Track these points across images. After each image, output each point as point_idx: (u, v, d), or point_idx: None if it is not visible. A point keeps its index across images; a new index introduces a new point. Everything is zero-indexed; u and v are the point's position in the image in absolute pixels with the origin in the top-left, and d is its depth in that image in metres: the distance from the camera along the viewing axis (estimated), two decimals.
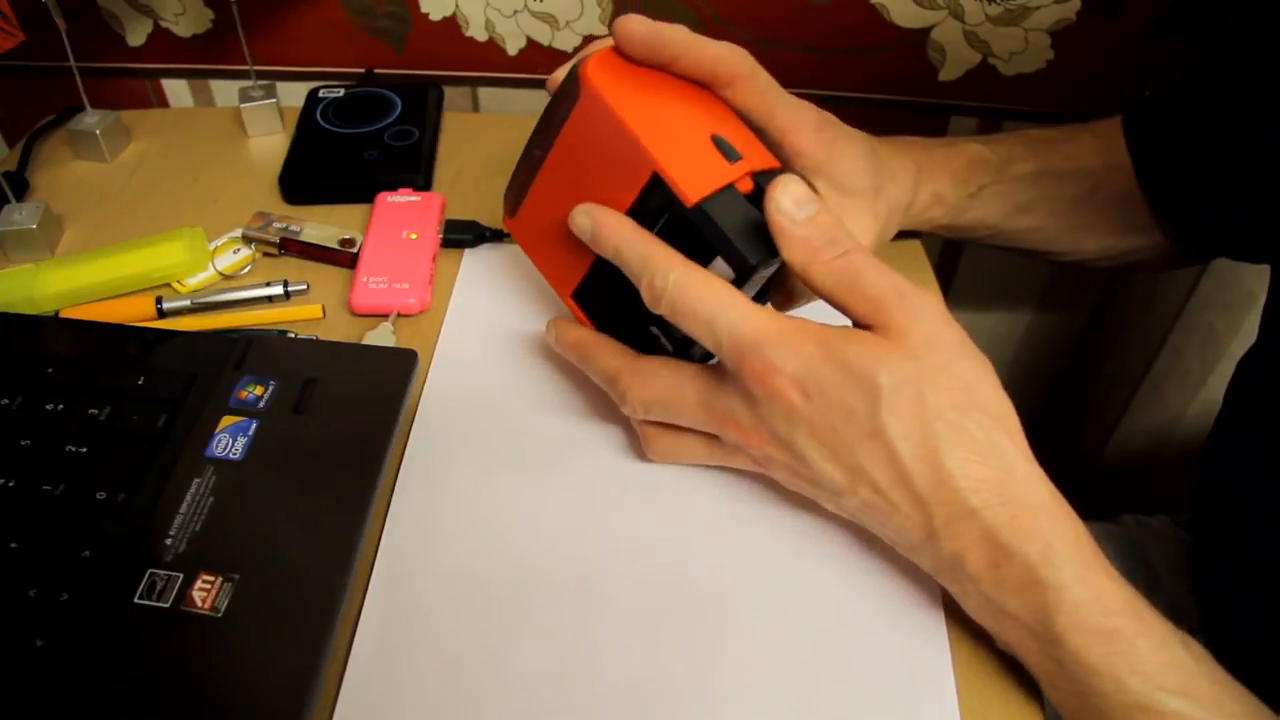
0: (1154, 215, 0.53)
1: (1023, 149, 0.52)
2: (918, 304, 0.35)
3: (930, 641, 0.38)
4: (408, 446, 0.44)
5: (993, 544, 0.33)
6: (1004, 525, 0.33)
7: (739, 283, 0.38)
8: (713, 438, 0.40)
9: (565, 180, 0.41)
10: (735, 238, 0.37)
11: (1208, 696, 0.31)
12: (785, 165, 0.43)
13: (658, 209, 0.38)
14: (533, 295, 0.52)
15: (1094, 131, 0.54)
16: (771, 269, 0.39)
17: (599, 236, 0.39)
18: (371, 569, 0.39)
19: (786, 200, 0.36)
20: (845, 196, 0.45)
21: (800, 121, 0.43)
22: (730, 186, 0.37)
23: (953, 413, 0.34)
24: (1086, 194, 0.53)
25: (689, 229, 0.37)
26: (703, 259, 0.37)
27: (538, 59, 0.68)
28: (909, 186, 0.49)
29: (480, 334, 0.50)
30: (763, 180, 0.38)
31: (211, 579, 0.35)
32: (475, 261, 0.54)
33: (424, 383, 0.47)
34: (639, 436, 0.42)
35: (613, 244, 0.39)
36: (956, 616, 0.38)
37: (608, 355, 0.41)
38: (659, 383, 0.39)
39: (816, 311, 0.38)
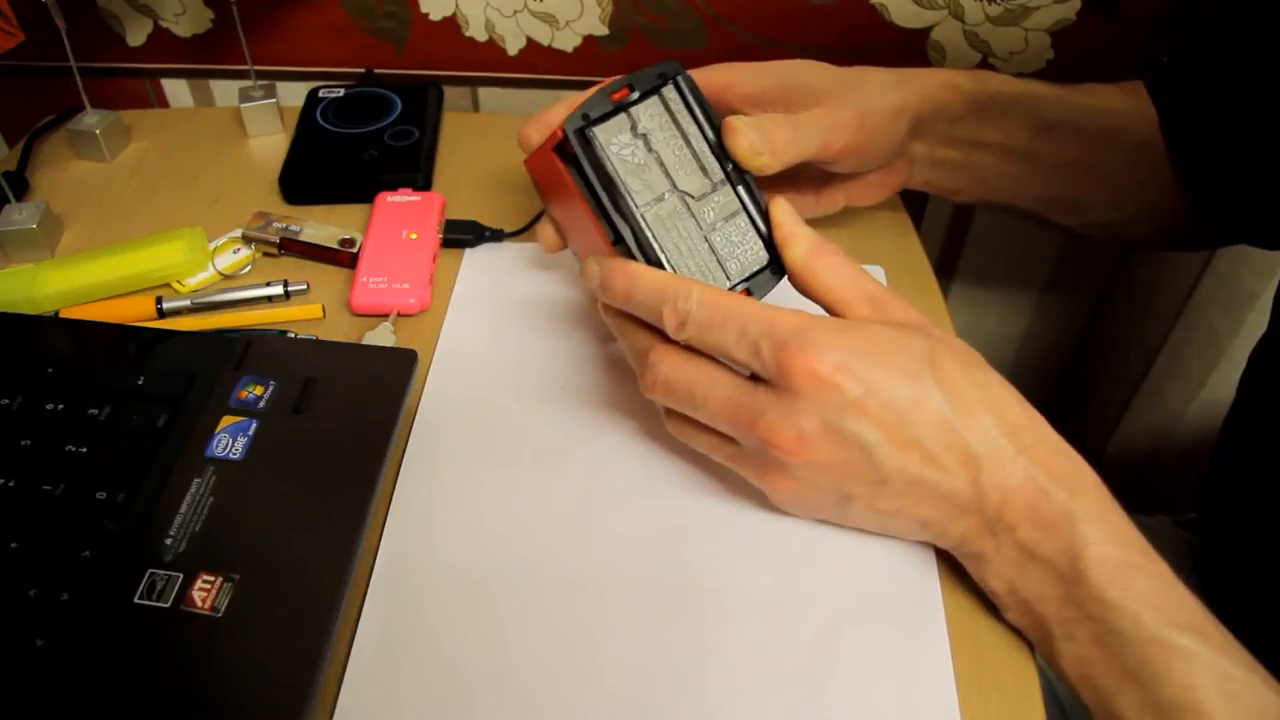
0: (1174, 169, 0.51)
1: (1035, 79, 0.52)
2: (902, 300, 0.39)
3: (930, 638, 0.38)
4: (408, 446, 0.44)
5: (1033, 485, 0.35)
6: (1040, 465, 0.35)
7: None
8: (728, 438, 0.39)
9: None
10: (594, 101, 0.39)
11: (1215, 638, 0.33)
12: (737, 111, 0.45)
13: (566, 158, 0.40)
14: (533, 295, 0.52)
15: (1116, 85, 0.53)
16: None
17: (609, 284, 0.39)
18: (372, 569, 0.39)
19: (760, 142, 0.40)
20: (807, 99, 0.45)
21: (722, 71, 0.46)
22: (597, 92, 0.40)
23: (976, 370, 0.37)
24: (1116, 131, 0.51)
25: (580, 143, 0.39)
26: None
27: (538, 59, 0.68)
28: (891, 82, 0.48)
29: (480, 334, 0.50)
30: (633, 79, 0.40)
31: (211, 579, 0.35)
32: (475, 261, 0.54)
33: (424, 383, 0.47)
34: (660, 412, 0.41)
35: (623, 285, 0.39)
36: (956, 612, 0.38)
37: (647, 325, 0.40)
38: (693, 366, 0.38)
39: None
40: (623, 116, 0.40)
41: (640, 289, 0.38)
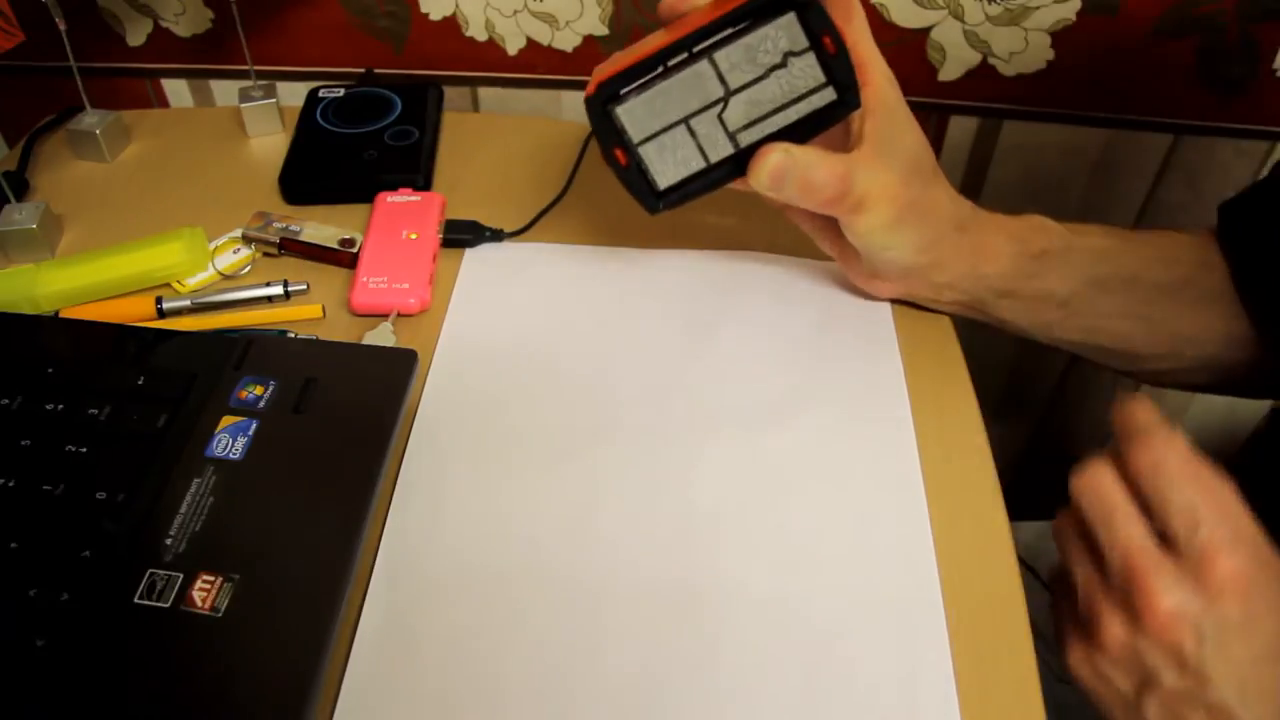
0: (1254, 324, 0.47)
1: (1097, 226, 0.48)
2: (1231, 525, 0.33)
3: (930, 639, 0.38)
4: (408, 446, 0.44)
5: None
6: None
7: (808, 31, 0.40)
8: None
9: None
10: None
11: None
12: None
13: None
14: (533, 295, 0.52)
15: (1184, 230, 0.49)
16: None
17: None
18: (372, 569, 0.40)
19: None
20: (876, 155, 0.42)
21: (874, 63, 0.43)
22: None
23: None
24: (1178, 284, 0.47)
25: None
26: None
27: (538, 59, 0.68)
28: (951, 208, 0.45)
29: (480, 334, 0.50)
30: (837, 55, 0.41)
31: (211, 579, 0.35)
32: (475, 261, 0.54)
33: (424, 383, 0.47)
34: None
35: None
36: (956, 612, 0.38)
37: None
38: (1122, 495, 0.35)
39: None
40: (806, 35, 0.40)
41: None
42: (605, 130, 0.42)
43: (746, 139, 0.42)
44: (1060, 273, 0.46)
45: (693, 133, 0.42)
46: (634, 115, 0.42)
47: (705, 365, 0.48)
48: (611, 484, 0.43)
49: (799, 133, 0.42)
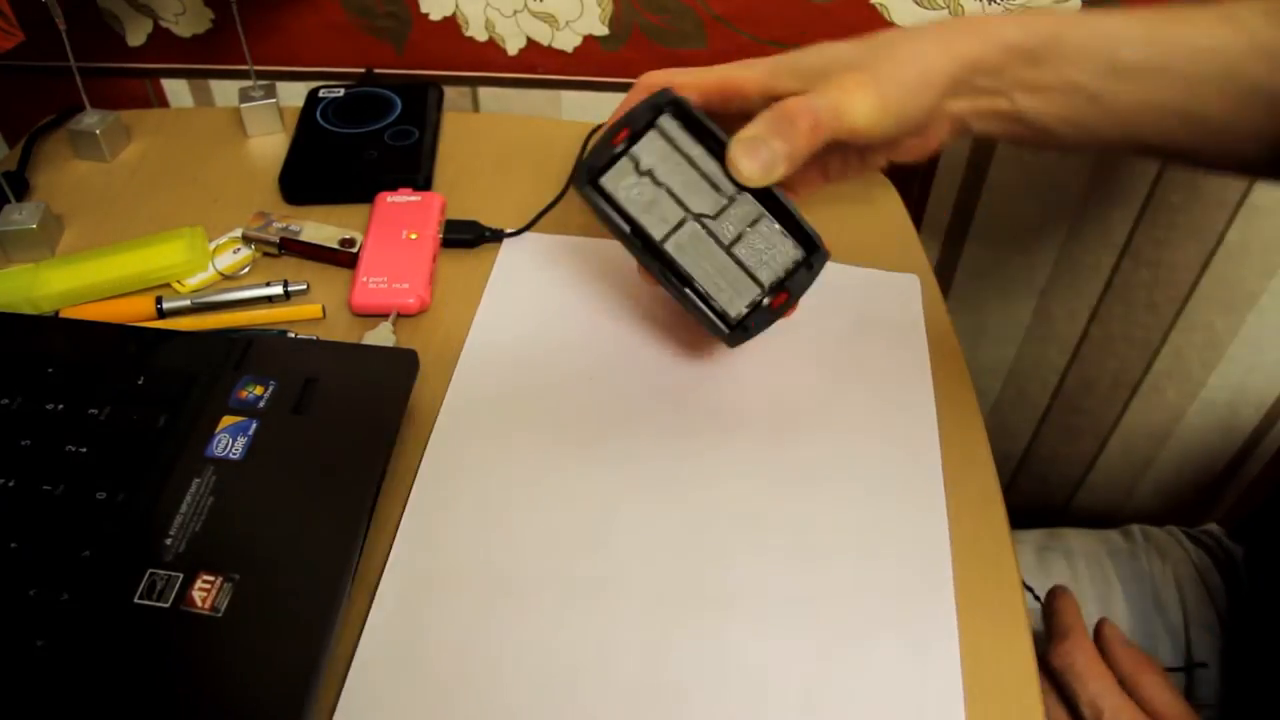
0: None
1: (1119, 11, 0.44)
2: None
3: (939, 643, 0.38)
4: (428, 446, 0.44)
5: None
6: None
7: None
8: None
9: None
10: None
11: None
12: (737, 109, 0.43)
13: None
14: (558, 296, 0.52)
15: (1230, 9, 0.43)
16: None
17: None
18: (383, 569, 0.39)
19: None
20: (823, 82, 0.41)
21: (730, 77, 0.43)
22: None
23: None
24: (1218, 77, 0.42)
25: (592, 196, 0.42)
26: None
27: (538, 59, 0.68)
28: (919, 51, 0.43)
29: (505, 334, 0.50)
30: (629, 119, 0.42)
31: (211, 579, 0.35)
32: (505, 260, 0.54)
33: (449, 381, 0.47)
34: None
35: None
36: (966, 618, 0.38)
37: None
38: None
39: None
40: (625, 160, 0.41)
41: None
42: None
43: (731, 187, 0.42)
44: (1080, 61, 0.42)
45: (736, 244, 0.42)
46: (704, 286, 0.42)
47: (724, 365, 0.48)
48: (623, 485, 0.43)
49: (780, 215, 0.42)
